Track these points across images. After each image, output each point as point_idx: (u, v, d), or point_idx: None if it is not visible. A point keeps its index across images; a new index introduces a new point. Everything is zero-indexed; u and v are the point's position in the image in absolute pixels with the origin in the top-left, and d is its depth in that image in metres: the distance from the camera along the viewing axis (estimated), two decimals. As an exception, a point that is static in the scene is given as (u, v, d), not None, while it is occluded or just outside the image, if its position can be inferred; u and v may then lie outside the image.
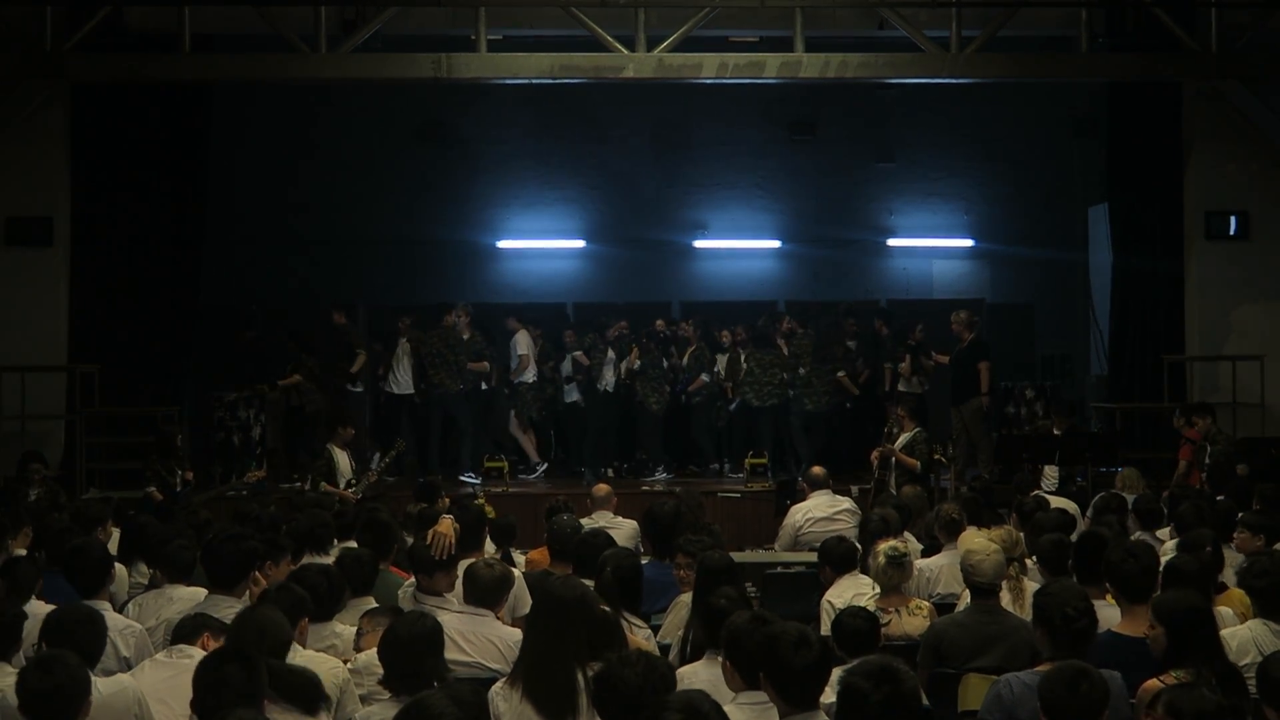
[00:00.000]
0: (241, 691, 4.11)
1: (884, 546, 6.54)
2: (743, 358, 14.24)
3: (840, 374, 14.20)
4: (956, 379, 13.39)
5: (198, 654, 4.94)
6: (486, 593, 5.67)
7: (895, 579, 6.48)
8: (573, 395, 14.54)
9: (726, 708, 4.28)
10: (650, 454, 14.50)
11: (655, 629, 6.30)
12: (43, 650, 4.69)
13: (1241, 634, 5.35)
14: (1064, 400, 14.44)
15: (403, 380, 14.19)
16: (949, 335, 13.69)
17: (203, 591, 6.09)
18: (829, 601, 6.69)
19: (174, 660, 5.03)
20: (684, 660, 5.38)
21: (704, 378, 14.30)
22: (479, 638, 5.55)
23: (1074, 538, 6.92)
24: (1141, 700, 4.63)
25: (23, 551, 7.31)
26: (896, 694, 3.57)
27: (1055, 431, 12.63)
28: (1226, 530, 7.42)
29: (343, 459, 11.49)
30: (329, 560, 6.75)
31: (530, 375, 14.29)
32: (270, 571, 6.29)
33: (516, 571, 6.71)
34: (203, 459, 13.52)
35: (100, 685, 4.58)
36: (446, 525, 6.09)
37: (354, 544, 7.23)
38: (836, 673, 4.93)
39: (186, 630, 5.17)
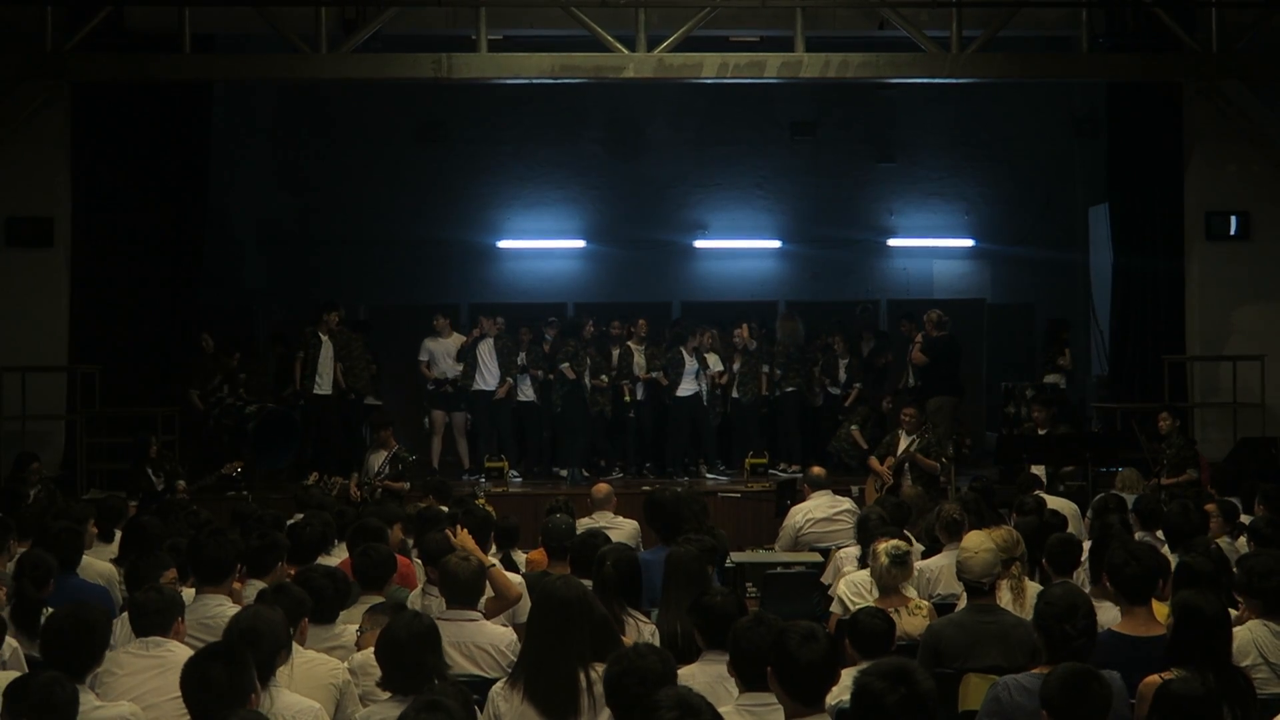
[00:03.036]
0: (227, 690, 4.06)
1: (885, 546, 6.51)
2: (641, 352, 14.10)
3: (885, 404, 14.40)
4: (926, 376, 13.34)
5: (173, 644, 4.98)
6: (466, 589, 5.57)
7: (897, 578, 6.47)
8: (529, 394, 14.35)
9: (729, 709, 4.28)
10: (607, 457, 14.38)
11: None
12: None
13: (1241, 635, 5.33)
14: (1048, 397, 14.37)
15: (324, 381, 13.39)
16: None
17: (192, 591, 6.07)
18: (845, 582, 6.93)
19: (151, 653, 4.99)
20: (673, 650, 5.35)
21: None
22: (468, 647, 5.45)
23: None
24: (1142, 696, 4.64)
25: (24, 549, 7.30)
26: (913, 695, 3.54)
27: (1040, 430, 12.63)
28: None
29: (375, 460, 11.80)
30: (332, 561, 6.77)
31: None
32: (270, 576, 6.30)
33: (519, 578, 6.72)
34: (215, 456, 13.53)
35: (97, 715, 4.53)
36: (466, 537, 6.12)
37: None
38: (851, 674, 4.92)
39: (154, 620, 5.09)
